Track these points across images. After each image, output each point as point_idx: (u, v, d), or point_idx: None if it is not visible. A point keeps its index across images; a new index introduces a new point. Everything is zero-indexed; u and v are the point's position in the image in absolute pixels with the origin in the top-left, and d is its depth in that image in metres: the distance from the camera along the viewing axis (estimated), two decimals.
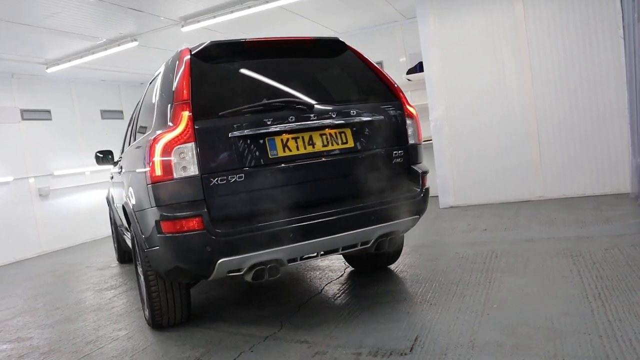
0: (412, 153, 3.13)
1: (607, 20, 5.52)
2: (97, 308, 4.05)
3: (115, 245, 5.83)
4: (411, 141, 3.14)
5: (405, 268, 3.94)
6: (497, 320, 2.68)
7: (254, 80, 2.95)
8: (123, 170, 3.59)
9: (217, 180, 2.56)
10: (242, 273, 2.69)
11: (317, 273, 4.15)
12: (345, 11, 6.68)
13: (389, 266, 4.00)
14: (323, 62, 3.17)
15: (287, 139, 2.72)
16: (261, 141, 2.67)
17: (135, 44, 6.46)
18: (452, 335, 2.57)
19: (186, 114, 2.53)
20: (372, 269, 3.93)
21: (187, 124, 2.52)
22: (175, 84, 2.66)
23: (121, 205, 4.10)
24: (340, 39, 3.21)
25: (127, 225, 3.69)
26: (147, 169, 2.62)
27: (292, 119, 2.72)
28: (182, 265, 2.65)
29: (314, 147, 2.78)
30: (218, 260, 2.53)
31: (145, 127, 3.21)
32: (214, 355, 2.71)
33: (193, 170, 2.52)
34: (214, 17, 5.88)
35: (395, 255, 3.86)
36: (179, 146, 2.51)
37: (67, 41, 6.16)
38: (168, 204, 2.56)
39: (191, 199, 2.54)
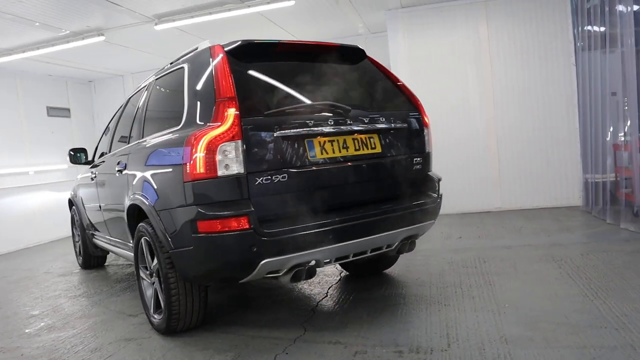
0: (428, 160, 3.29)
1: (562, 48, 6.11)
2: (82, 315, 3.78)
3: (80, 249, 5.45)
4: (427, 149, 3.29)
5: (400, 272, 4.07)
6: (515, 317, 2.88)
7: (288, 81, 2.97)
8: (125, 170, 3.41)
9: (262, 180, 2.54)
10: (280, 274, 2.68)
11: (313, 278, 4.16)
12: (317, 21, 6.78)
13: (384, 271, 4.11)
14: (347, 69, 3.25)
15: (324, 142, 2.77)
16: (302, 142, 2.69)
17: (101, 38, 6.14)
18: (480, 332, 2.72)
19: (232, 111, 2.50)
20: (370, 274, 4.02)
21: (233, 121, 2.48)
22: (216, 81, 2.61)
23: (111, 206, 3.91)
24: (360, 47, 3.31)
25: (127, 228, 3.50)
26: (183, 166, 2.54)
27: (331, 122, 2.78)
28: (219, 266, 2.59)
29: (347, 151, 2.85)
30: (262, 261, 2.51)
31: (163, 126, 3.10)
32: (247, 358, 2.66)
33: (238, 168, 2.49)
34: (192, 17, 5.76)
35: (393, 260, 3.98)
36: (224, 143, 2.47)
37: (28, 30, 5.73)
38: (208, 203, 2.50)
39: (235, 197, 2.50)
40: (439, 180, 3.30)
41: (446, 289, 3.52)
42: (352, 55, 3.26)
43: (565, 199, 6.23)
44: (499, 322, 2.84)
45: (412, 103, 3.29)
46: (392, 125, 3.05)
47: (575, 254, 4.08)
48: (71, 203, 5.59)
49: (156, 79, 3.51)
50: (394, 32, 6.62)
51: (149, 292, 3.33)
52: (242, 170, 2.49)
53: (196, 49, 3.14)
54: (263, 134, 2.57)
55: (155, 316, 3.17)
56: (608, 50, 5.80)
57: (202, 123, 2.60)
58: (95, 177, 4.35)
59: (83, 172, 5.24)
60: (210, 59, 2.77)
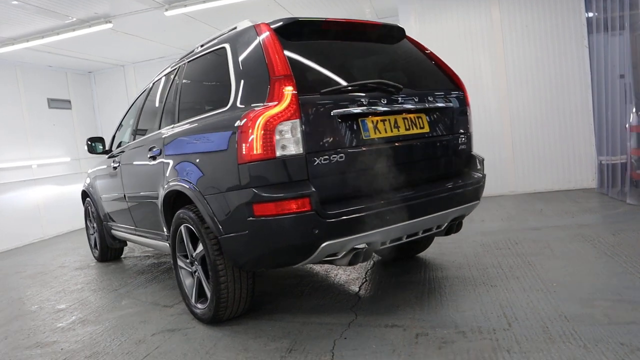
0: (471, 140, 3.25)
1: (574, 30, 6.09)
2: (113, 308, 3.68)
3: (95, 242, 5.32)
4: (470, 128, 3.25)
5: (433, 256, 4.04)
6: (567, 296, 2.86)
7: (335, 59, 2.89)
8: (160, 156, 3.30)
9: (320, 160, 2.47)
10: (339, 257, 2.61)
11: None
12: (325, 4, 6.68)
13: (417, 255, 4.08)
14: (389, 47, 3.18)
15: (377, 121, 2.70)
16: (357, 122, 2.62)
17: (108, 26, 5.97)
18: (537, 311, 2.69)
19: (290, 89, 2.41)
20: (404, 258, 3.99)
21: (291, 100, 2.40)
22: (268, 59, 2.52)
23: (139, 195, 3.80)
24: (400, 26, 3.24)
25: (160, 216, 3.41)
26: (237, 147, 2.45)
27: (384, 100, 2.71)
28: (276, 250, 2.51)
29: (398, 131, 2.78)
30: (322, 243, 2.44)
31: (204, 108, 3.00)
32: (306, 345, 2.61)
33: (297, 148, 2.41)
34: (203, 2, 5.62)
35: (427, 243, 3.95)
36: (282, 122, 2.39)
37: (34, 18, 5.54)
38: (265, 185, 2.42)
39: (294, 179, 2.42)
40: (483, 160, 3.25)
41: (487, 270, 3.49)
42: (392, 33, 3.20)
43: (579, 181, 6.26)
44: (552, 300, 2.81)
45: (454, 82, 3.24)
46: (439, 104, 2.99)
47: (606, 234, 4.08)
48: (85, 195, 5.44)
49: (188, 62, 3.39)
50: (405, 16, 6.55)
51: (188, 281, 3.25)
52: (301, 151, 2.41)
53: (235, 28, 3.04)
54: (320, 113, 2.50)
55: (199, 305, 3.08)
56: (618, 32, 5.82)
57: (256, 103, 2.50)
58: (118, 166, 4.22)
59: (99, 162, 5.09)
60: (258, 38, 2.67)
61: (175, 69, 3.59)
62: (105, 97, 8.88)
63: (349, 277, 3.74)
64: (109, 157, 4.75)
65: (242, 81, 2.67)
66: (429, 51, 3.32)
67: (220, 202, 2.63)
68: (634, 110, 5.45)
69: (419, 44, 3.33)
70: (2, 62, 7.09)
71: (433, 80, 3.18)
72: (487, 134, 6.46)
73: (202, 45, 3.43)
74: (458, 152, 3.12)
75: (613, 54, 5.63)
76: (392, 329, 2.68)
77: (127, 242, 5.15)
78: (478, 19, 6.38)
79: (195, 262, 3.06)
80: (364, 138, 2.64)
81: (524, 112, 6.37)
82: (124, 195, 4.13)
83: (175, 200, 3.26)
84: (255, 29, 2.75)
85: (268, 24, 2.75)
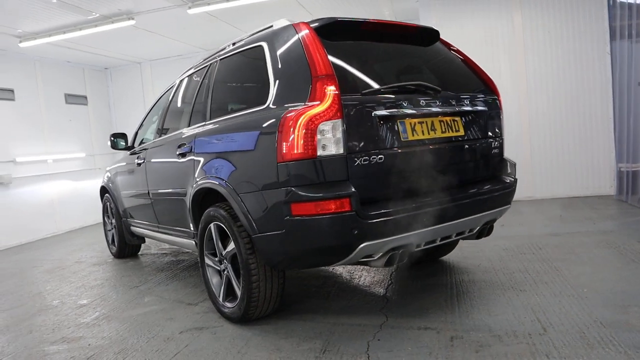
0: (503, 144, 3.24)
1: (597, 36, 6.07)
2: (136, 304, 3.68)
3: (113, 238, 5.32)
4: (503, 134, 3.24)
5: (457, 259, 4.02)
6: (600, 301, 2.84)
7: (373, 60, 2.89)
8: (191, 153, 3.30)
9: (361, 161, 2.46)
10: (375, 258, 2.60)
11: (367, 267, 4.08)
12: (345, 5, 6.65)
13: (440, 258, 4.06)
14: (425, 49, 3.17)
15: (415, 123, 2.69)
16: (395, 123, 2.61)
17: (131, 22, 5.98)
18: (571, 316, 2.68)
19: (332, 89, 2.41)
20: (427, 261, 3.97)
21: (334, 100, 2.39)
22: (310, 58, 2.52)
23: (165, 192, 3.80)
24: (436, 29, 3.23)
25: (188, 214, 3.40)
26: (277, 146, 2.45)
27: (422, 102, 2.70)
28: (313, 250, 2.50)
29: (435, 133, 2.77)
30: (361, 244, 2.43)
31: (240, 106, 3.00)
32: (339, 345, 2.59)
33: (339, 148, 2.40)
34: (227, 0, 5.62)
35: (451, 247, 3.93)
36: (325, 122, 2.38)
37: (57, 12, 5.56)
38: (304, 184, 2.41)
39: (334, 179, 2.42)
40: (515, 164, 3.24)
41: (514, 275, 3.48)
42: (428, 36, 3.19)
43: (597, 188, 6.23)
44: (585, 306, 2.79)
45: (488, 86, 3.22)
46: (474, 108, 2.98)
47: (631, 241, 4.06)
48: (104, 191, 5.45)
49: (220, 59, 3.39)
50: (426, 19, 6.54)
51: (215, 280, 3.24)
52: (342, 151, 2.41)
53: (271, 27, 3.04)
54: (361, 114, 2.49)
55: (227, 304, 3.08)
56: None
57: (296, 102, 2.50)
58: (142, 162, 4.21)
59: (120, 158, 5.09)
60: (298, 37, 2.67)
61: (206, 66, 3.59)
62: (121, 94, 8.89)
63: (374, 279, 3.73)
64: (131, 154, 4.75)
65: (282, 80, 2.66)
66: (463, 54, 3.30)
67: (256, 200, 2.62)
68: None
69: (453, 46, 3.32)
70: (22, 57, 7.12)
71: (467, 83, 3.17)
72: (505, 139, 6.42)
73: (234, 44, 3.44)
74: (491, 156, 3.11)
75: (636, 61, 5.62)
76: (426, 331, 2.67)
77: (145, 239, 5.15)
78: (500, 23, 6.37)
79: (225, 261, 3.06)
80: (402, 140, 2.63)
81: (543, 117, 6.36)
82: (148, 192, 4.13)
83: (205, 198, 3.26)
84: (295, 28, 2.74)
85: (307, 23, 2.75)
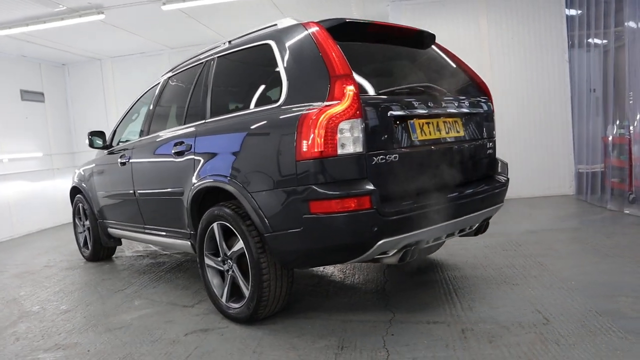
0: (496, 145, 3.39)
1: (556, 43, 6.46)
2: (127, 308, 3.54)
3: (86, 241, 5.09)
4: (495, 134, 3.39)
5: (444, 257, 4.16)
6: (589, 293, 3.03)
7: (381, 62, 2.96)
8: (190, 152, 3.23)
9: (378, 159, 2.51)
10: (389, 255, 2.66)
11: (356, 265, 4.15)
12: (317, 7, 6.66)
13: (427, 256, 4.18)
14: (424, 52, 3.27)
15: (423, 124, 2.78)
16: (407, 123, 2.69)
17: (100, 17, 5.74)
18: (568, 307, 2.85)
19: (352, 88, 2.44)
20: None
21: (353, 99, 2.43)
22: (326, 58, 2.54)
23: (157, 192, 3.69)
24: (432, 33, 3.34)
25: (185, 213, 3.33)
26: (296, 144, 2.46)
27: (430, 104, 2.79)
28: (331, 248, 2.52)
29: (440, 133, 2.87)
30: (379, 241, 2.48)
31: (247, 104, 2.97)
32: (356, 342, 2.63)
33: (358, 147, 2.44)
34: None
35: (440, 244, 4.06)
36: (345, 121, 2.41)
37: (21, 3, 5.25)
38: (324, 183, 2.44)
39: (354, 177, 2.45)
40: (507, 164, 3.40)
41: (502, 270, 3.64)
42: (425, 39, 3.28)
43: (557, 188, 6.61)
44: (577, 297, 2.98)
45: (481, 88, 3.37)
46: (472, 109, 3.12)
47: (600, 237, 4.35)
48: (76, 191, 5.20)
49: (219, 57, 3.34)
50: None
51: (215, 281, 3.19)
52: (361, 149, 2.45)
53: (275, 25, 3.04)
54: (378, 113, 2.54)
55: (232, 305, 3.03)
56: (593, 48, 6.23)
57: (313, 101, 2.51)
58: (126, 162, 4.07)
59: (96, 157, 4.89)
60: (310, 36, 2.69)
61: (200, 64, 3.52)
62: (79, 91, 8.50)
63: (367, 277, 3.79)
64: (109, 153, 4.58)
65: (295, 79, 2.67)
66: (456, 57, 3.43)
67: (270, 198, 2.61)
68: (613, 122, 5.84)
69: (447, 50, 3.45)
70: None
71: (463, 85, 3.30)
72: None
73: (229, 42, 3.40)
74: (486, 156, 3.25)
75: (588, 68, 6.03)
76: (435, 325, 2.75)
77: (122, 241, 4.97)
78: (466, 27, 6.63)
79: (229, 261, 3.02)
80: (413, 139, 2.70)
81: (507, 120, 6.66)
82: (134, 192, 3.99)
83: (205, 197, 3.20)
84: (306, 27, 2.76)
85: (318, 23, 2.77)
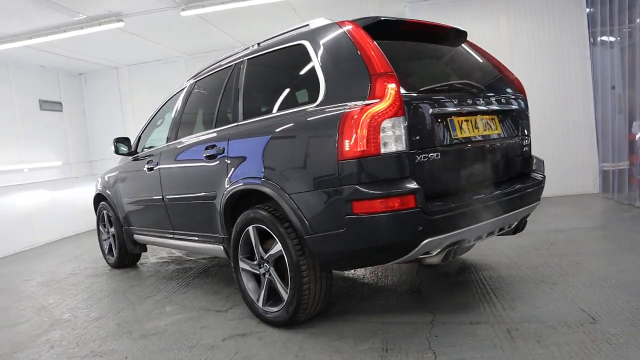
0: (531, 142, 3.34)
1: (577, 41, 6.39)
2: (159, 314, 3.52)
3: (111, 247, 5.09)
4: (530, 132, 3.34)
5: (475, 258, 4.10)
6: (633, 291, 2.97)
7: (417, 59, 2.93)
8: (223, 155, 3.20)
9: (420, 157, 2.48)
10: (433, 254, 2.62)
11: (387, 266, 4.09)
12: (335, 9, 6.64)
13: (459, 256, 4.12)
14: (457, 49, 3.24)
15: (462, 121, 2.74)
16: (446, 121, 2.65)
17: (120, 25, 5.77)
18: (612, 306, 2.78)
19: (393, 86, 2.41)
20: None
21: (395, 97, 2.40)
22: (365, 57, 2.52)
23: (186, 197, 3.68)
24: (464, 30, 3.30)
25: (218, 218, 3.31)
26: (338, 144, 2.43)
27: (469, 101, 2.75)
28: (375, 248, 2.48)
29: (478, 131, 2.83)
30: (424, 240, 2.43)
31: (282, 105, 2.95)
32: (400, 344, 2.58)
33: (401, 145, 2.41)
34: (223, 3, 5.54)
35: (471, 246, 4.00)
36: (387, 120, 2.38)
37: (42, 13, 5.28)
38: (367, 182, 2.40)
39: (397, 176, 2.42)
40: (543, 162, 3.35)
41: (538, 270, 3.58)
42: (458, 36, 3.25)
43: (581, 187, 6.53)
44: (620, 296, 2.91)
45: (515, 85, 3.33)
46: (509, 107, 3.08)
47: (632, 234, 4.28)
48: (100, 198, 5.20)
49: (249, 59, 3.33)
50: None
51: (251, 285, 3.17)
52: (404, 148, 2.41)
53: (307, 25, 3.03)
54: (419, 111, 2.51)
55: (269, 309, 3.00)
56: (615, 44, 6.17)
57: (354, 100, 2.48)
58: (154, 167, 4.06)
59: (120, 164, 4.89)
60: (347, 35, 2.67)
61: (229, 67, 3.51)
62: (96, 100, 8.54)
63: (401, 278, 3.75)
64: (133, 159, 4.58)
65: (334, 78, 2.64)
66: (488, 54, 3.39)
67: (310, 200, 2.58)
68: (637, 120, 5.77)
69: (478, 47, 3.41)
70: None
71: (497, 82, 3.26)
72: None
73: (258, 44, 3.39)
74: (523, 154, 3.21)
75: (612, 65, 5.97)
76: (479, 325, 2.70)
77: (147, 247, 4.97)
78: (486, 26, 6.58)
79: (265, 264, 2.99)
80: (453, 137, 2.67)
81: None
82: (162, 197, 3.98)
83: (238, 200, 3.18)
84: (341, 27, 2.74)
85: (354, 22, 2.75)
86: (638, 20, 5.85)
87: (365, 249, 2.52)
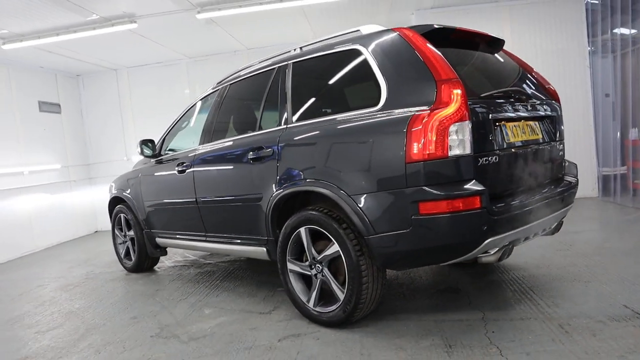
0: (564, 147, 3.49)
1: (578, 50, 6.66)
2: (199, 317, 3.50)
3: (129, 251, 5.03)
4: (564, 137, 3.50)
5: None
6: None
7: (464, 66, 3.03)
8: (273, 157, 3.22)
9: (482, 160, 2.58)
10: (491, 253, 2.71)
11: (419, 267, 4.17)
12: (344, 17, 6.69)
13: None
14: (499, 57, 3.36)
15: (512, 126, 2.85)
16: (501, 126, 2.76)
17: (132, 26, 5.71)
18: None
19: (459, 92, 2.50)
20: (472, 262, 4.12)
21: (461, 102, 2.49)
22: (429, 63, 2.60)
23: (224, 199, 3.69)
24: (502, 38, 3.43)
25: (263, 219, 3.33)
26: (407, 147, 2.50)
27: (518, 107, 2.88)
28: (440, 248, 2.56)
29: (524, 136, 2.95)
30: (487, 239, 2.53)
31: (337, 108, 3.00)
32: (461, 340, 2.66)
33: (466, 149, 2.50)
34: (239, 6, 5.56)
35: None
36: (455, 124, 2.47)
37: (54, 12, 5.18)
38: (435, 183, 2.49)
39: (462, 178, 2.51)
40: (576, 166, 3.51)
41: (567, 269, 3.73)
42: (497, 44, 3.38)
43: (581, 191, 6.71)
44: None
45: (550, 93, 3.47)
46: (548, 113, 3.22)
47: None
48: (118, 201, 5.13)
49: (294, 63, 3.37)
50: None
51: (299, 286, 3.20)
52: (469, 151, 2.50)
53: (358, 31, 3.12)
54: (481, 116, 2.61)
55: (322, 309, 3.04)
56: (610, 54, 6.47)
57: (418, 105, 2.56)
58: (186, 169, 4.04)
59: (142, 166, 4.83)
60: (406, 41, 2.75)
61: (271, 70, 3.54)
62: (94, 102, 8.38)
63: (435, 278, 3.84)
64: (157, 162, 4.55)
65: (396, 83, 2.71)
66: (523, 62, 3.53)
67: (374, 201, 2.64)
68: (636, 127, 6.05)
69: (514, 55, 3.54)
70: None
71: (535, 89, 3.39)
72: None
73: (301, 48, 3.44)
74: (559, 158, 3.35)
75: (614, 73, 6.25)
76: (530, 321, 2.81)
77: (167, 250, 4.94)
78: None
79: (318, 265, 3.03)
80: (507, 142, 2.78)
81: None
82: (195, 200, 3.97)
83: (286, 202, 3.22)
84: (399, 33, 2.83)
85: (411, 29, 2.84)
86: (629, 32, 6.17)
87: (429, 249, 2.59)
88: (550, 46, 6.69)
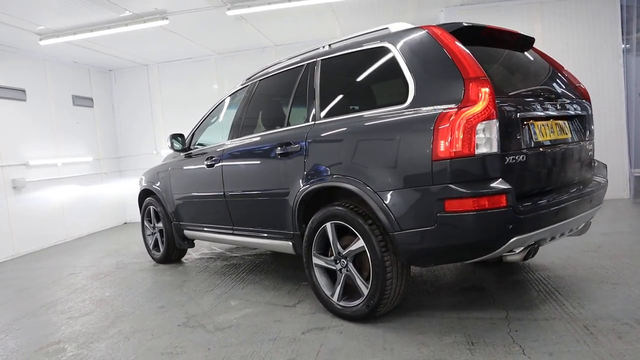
0: (594, 147, 3.44)
1: (611, 48, 6.51)
2: (225, 309, 3.58)
3: (157, 243, 5.17)
4: (594, 136, 3.45)
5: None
6: None
7: (493, 64, 3.02)
8: (301, 152, 3.27)
9: (510, 159, 2.58)
10: (516, 252, 2.71)
11: (439, 266, 4.17)
12: (372, 14, 6.64)
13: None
14: (528, 55, 3.33)
15: (541, 125, 2.84)
16: (530, 125, 2.75)
17: (164, 22, 5.84)
18: None
19: (487, 90, 2.51)
20: (496, 262, 4.10)
21: (489, 101, 2.49)
22: (458, 61, 2.61)
23: (251, 193, 3.76)
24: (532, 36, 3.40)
25: (290, 214, 3.39)
26: (433, 144, 2.52)
27: (548, 106, 2.86)
28: (465, 245, 2.57)
29: (553, 135, 2.93)
30: (512, 238, 2.53)
31: (366, 105, 3.04)
32: (484, 338, 2.67)
33: (494, 147, 2.50)
34: (269, 3, 5.62)
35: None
36: (482, 122, 2.47)
37: (89, 8, 5.33)
38: (461, 181, 2.50)
39: (489, 176, 2.51)
40: (605, 166, 3.46)
41: (594, 270, 3.68)
42: (527, 43, 3.35)
43: (611, 192, 6.55)
44: None
45: (581, 92, 3.42)
46: (577, 112, 3.18)
47: None
48: (147, 193, 5.27)
49: (323, 60, 3.41)
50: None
51: (323, 280, 3.25)
52: (496, 150, 2.50)
53: (386, 28, 3.14)
54: (508, 115, 2.61)
55: (346, 303, 3.08)
56: None
57: (446, 103, 2.57)
58: (214, 164, 4.13)
59: (173, 160, 4.94)
60: (435, 39, 2.76)
61: (299, 67, 3.59)
62: (125, 97, 8.59)
63: (459, 277, 3.84)
64: (186, 156, 4.65)
65: (424, 81, 2.72)
66: (553, 60, 3.49)
67: (400, 197, 2.67)
68: None
69: (544, 53, 3.51)
70: (32, 55, 6.77)
71: (565, 88, 3.35)
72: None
73: (330, 45, 3.48)
74: (588, 158, 3.31)
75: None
76: (554, 321, 2.80)
77: (195, 242, 5.05)
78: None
79: (343, 260, 3.07)
80: (534, 140, 2.76)
81: None
82: (223, 193, 4.06)
83: (312, 197, 3.27)
84: (428, 31, 2.84)
85: (440, 27, 2.85)
86: None
87: (454, 246, 2.61)
88: (582, 44, 6.56)
